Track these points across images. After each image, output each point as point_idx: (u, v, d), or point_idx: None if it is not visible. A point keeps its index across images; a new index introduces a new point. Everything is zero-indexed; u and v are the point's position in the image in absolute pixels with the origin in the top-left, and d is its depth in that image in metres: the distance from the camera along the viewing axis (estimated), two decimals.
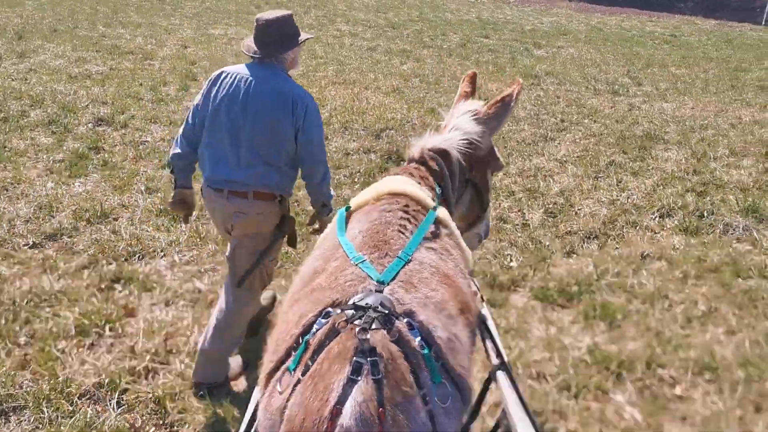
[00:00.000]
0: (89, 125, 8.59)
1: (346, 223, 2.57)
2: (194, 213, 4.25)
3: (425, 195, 2.68)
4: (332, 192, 4.00)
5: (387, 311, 1.98)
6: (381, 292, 2.07)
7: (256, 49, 3.71)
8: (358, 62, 14.44)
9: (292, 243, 4.10)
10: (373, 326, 1.91)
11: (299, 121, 3.60)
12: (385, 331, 1.93)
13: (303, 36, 3.79)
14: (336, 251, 2.35)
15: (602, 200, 7.09)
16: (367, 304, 2.00)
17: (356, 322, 1.93)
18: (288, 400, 1.89)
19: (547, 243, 6.09)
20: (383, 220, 2.47)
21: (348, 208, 2.66)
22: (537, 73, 14.13)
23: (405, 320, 2.01)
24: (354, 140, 8.94)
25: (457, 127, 3.03)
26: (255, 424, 2.24)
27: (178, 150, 3.84)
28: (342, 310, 2.01)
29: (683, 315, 5.00)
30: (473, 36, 19.77)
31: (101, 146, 7.87)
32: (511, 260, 5.75)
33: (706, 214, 6.68)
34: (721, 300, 5.22)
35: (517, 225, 6.45)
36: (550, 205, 6.88)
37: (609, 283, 5.42)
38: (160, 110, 9.48)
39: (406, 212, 2.54)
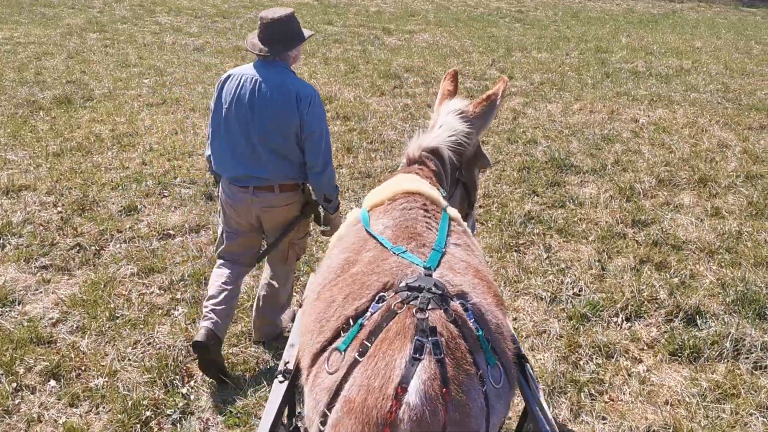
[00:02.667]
0: None
1: None
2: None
3: (438, 194, 2.66)
4: (337, 186, 3.93)
5: (441, 292, 1.94)
6: (431, 276, 2.02)
7: (261, 46, 3.68)
8: (183, 70, 11.32)
9: (318, 220, 4.13)
10: (430, 306, 1.87)
11: (304, 115, 3.61)
12: (442, 311, 1.88)
13: (306, 33, 3.81)
14: (365, 244, 2.31)
15: (532, 304, 4.81)
16: (420, 285, 1.95)
17: (412, 303, 1.89)
18: (343, 381, 1.83)
19: None
20: (409, 217, 2.45)
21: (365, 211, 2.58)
22: (396, 72, 11.71)
23: (458, 302, 1.97)
24: (175, 208, 6.09)
25: (445, 126, 2.96)
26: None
27: (210, 153, 3.92)
28: (396, 292, 1.97)
29: None
30: (315, 23, 16.99)
31: None
32: None
33: (689, 313, 4.50)
34: None
35: None
36: None
37: None
38: None
39: (426, 210, 2.52)
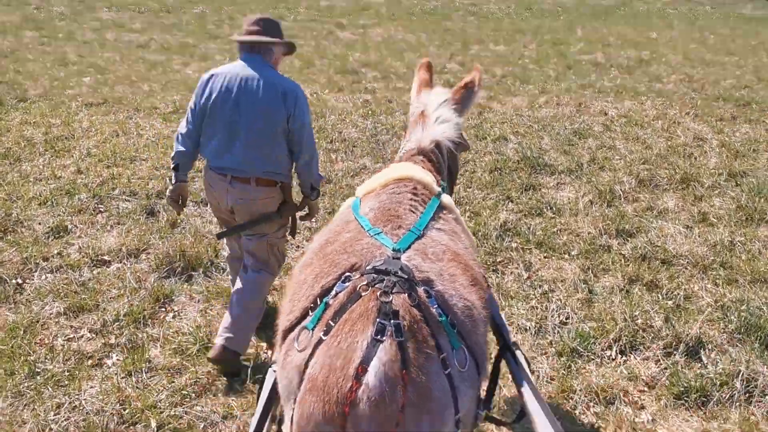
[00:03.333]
0: None
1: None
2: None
3: (431, 180, 2.64)
4: (321, 175, 4.03)
5: (406, 276, 1.92)
6: (398, 259, 2.01)
7: (251, 30, 3.70)
8: (126, 67, 10.44)
9: (292, 232, 4.11)
10: (395, 290, 1.87)
11: (291, 110, 3.62)
12: (406, 295, 1.87)
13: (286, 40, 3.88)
14: (347, 225, 2.31)
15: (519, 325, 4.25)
16: (387, 268, 1.94)
17: (377, 286, 1.88)
18: (309, 359, 1.83)
19: None
20: (394, 200, 2.45)
21: (358, 200, 2.58)
22: (353, 67, 11.04)
23: (423, 287, 1.95)
24: (111, 227, 5.34)
25: (443, 119, 2.94)
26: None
27: (181, 148, 3.82)
28: (362, 274, 1.96)
29: None
30: None
31: None
32: None
33: (690, 345, 3.91)
34: None
35: None
36: None
37: None
38: None
39: (415, 194, 2.51)
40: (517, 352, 2.51)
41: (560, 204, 5.80)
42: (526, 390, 2.31)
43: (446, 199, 2.60)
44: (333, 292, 1.95)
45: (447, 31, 15.28)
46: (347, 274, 1.99)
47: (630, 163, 6.74)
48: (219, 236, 4.05)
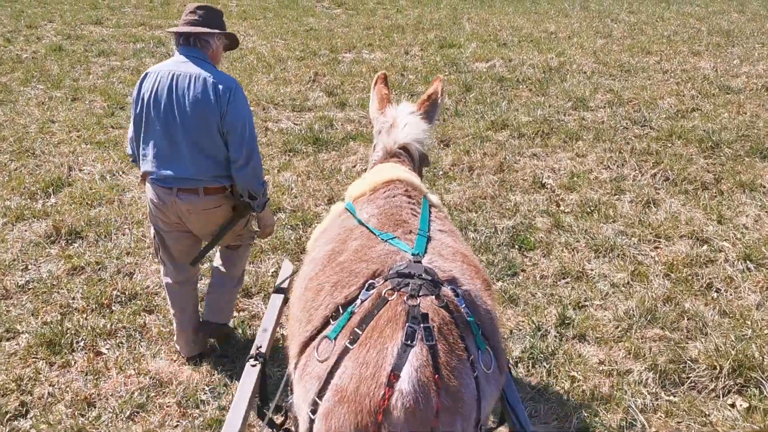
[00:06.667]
0: None
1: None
2: None
3: (418, 180, 2.61)
4: (263, 182, 3.49)
5: (431, 278, 1.86)
6: (419, 262, 1.94)
7: (187, 20, 3.38)
8: None
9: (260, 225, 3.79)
10: (421, 293, 1.80)
11: (223, 107, 3.27)
12: (433, 297, 1.81)
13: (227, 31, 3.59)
14: (351, 233, 2.20)
15: None
16: (410, 272, 1.87)
17: (403, 290, 1.81)
18: (334, 369, 1.74)
19: None
20: (394, 204, 2.37)
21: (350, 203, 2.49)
22: None
23: (449, 287, 1.89)
24: None
25: (411, 124, 2.84)
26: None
27: (131, 153, 3.58)
28: (386, 279, 1.88)
29: None
30: (77, 23, 12.09)
31: None
32: None
33: None
34: None
35: None
36: None
37: None
38: None
39: (410, 197, 2.45)
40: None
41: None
42: (508, 397, 2.27)
43: (433, 198, 2.55)
44: (358, 301, 1.84)
45: (310, 33, 11.84)
46: (370, 281, 1.89)
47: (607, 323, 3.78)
48: (192, 263, 3.62)
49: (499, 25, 12.53)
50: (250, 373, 2.37)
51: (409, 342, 1.66)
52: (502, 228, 4.96)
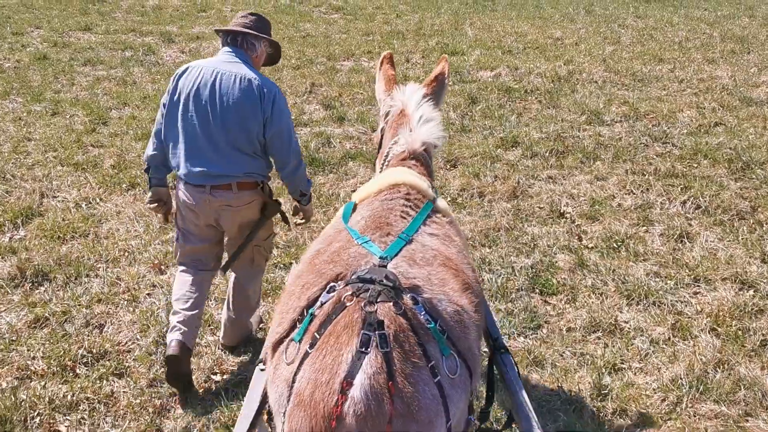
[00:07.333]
0: None
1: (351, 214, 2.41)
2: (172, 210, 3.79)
3: (426, 185, 2.52)
4: (309, 180, 3.70)
5: (392, 284, 1.81)
6: (384, 267, 1.90)
7: (238, 22, 3.46)
8: None
9: (286, 220, 3.89)
10: (380, 299, 1.76)
11: (267, 113, 3.31)
12: (391, 304, 1.77)
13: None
14: (338, 235, 2.21)
15: None
16: (371, 277, 1.83)
17: (362, 296, 1.78)
18: (295, 373, 1.74)
19: None
20: (385, 207, 2.34)
21: (352, 204, 2.47)
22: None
23: (409, 295, 1.84)
24: None
25: (427, 117, 2.78)
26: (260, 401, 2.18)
27: (153, 151, 3.52)
28: (347, 284, 1.86)
29: None
30: (65, 29, 11.49)
31: None
32: None
33: None
34: None
35: None
36: None
37: None
38: None
39: (408, 200, 2.39)
40: (508, 356, 2.42)
41: None
42: (516, 395, 2.24)
43: (441, 203, 2.49)
44: (318, 303, 1.84)
45: (307, 39, 11.26)
46: (332, 284, 1.88)
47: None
48: (224, 269, 3.69)
49: (503, 31, 11.95)
50: (259, 377, 2.28)
51: (363, 349, 1.65)
52: (520, 268, 4.39)
